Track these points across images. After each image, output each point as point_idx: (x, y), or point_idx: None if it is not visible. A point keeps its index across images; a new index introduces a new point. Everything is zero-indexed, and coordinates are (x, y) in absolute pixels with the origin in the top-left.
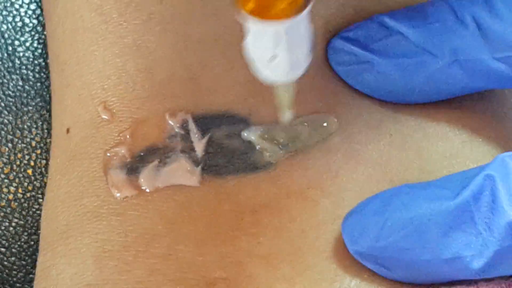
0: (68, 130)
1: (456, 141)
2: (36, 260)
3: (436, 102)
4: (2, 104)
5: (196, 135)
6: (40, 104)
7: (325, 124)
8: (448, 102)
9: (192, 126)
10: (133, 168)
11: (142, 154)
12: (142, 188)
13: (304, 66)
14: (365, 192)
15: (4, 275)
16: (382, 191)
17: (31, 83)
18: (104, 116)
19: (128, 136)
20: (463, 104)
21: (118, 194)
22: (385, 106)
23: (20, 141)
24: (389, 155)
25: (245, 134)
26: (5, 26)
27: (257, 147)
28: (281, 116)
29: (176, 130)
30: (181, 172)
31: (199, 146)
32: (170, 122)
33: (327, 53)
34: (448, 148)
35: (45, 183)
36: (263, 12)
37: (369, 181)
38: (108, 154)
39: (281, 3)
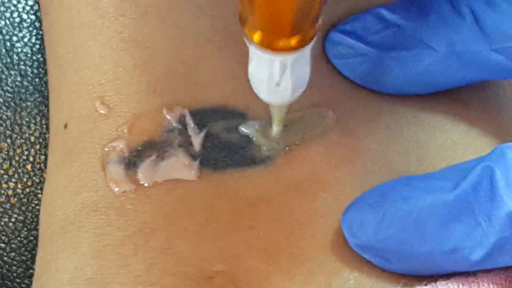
0: (65, 125)
1: (455, 132)
2: (36, 256)
3: (434, 94)
4: (1, 100)
5: (194, 130)
6: (39, 99)
7: (322, 118)
8: (446, 93)
9: (189, 120)
10: (131, 162)
11: (140, 148)
12: (140, 182)
13: (303, 89)
14: (364, 185)
15: (4, 271)
16: (381, 183)
17: (29, 78)
18: (101, 111)
19: (125, 131)
20: (461, 95)
21: (117, 189)
22: (382, 98)
23: (19, 137)
24: (387, 147)
25: (243, 129)
26: (3, 22)
27: (255, 141)
28: (272, 128)
29: (174, 124)
30: (179, 166)
31: (197, 141)
32: (168, 116)
33: (324, 46)
34: (446, 139)
35: (45, 179)
36: (270, 43)
37: (368, 174)
38: (106, 149)
39: (288, 40)
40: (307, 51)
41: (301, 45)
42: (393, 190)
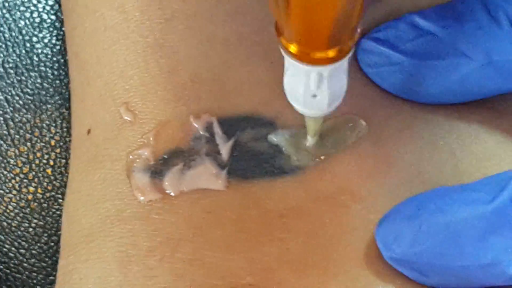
0: (89, 131)
1: (490, 142)
2: (56, 262)
3: (469, 103)
4: (21, 102)
5: (221, 138)
6: (59, 102)
7: (354, 127)
8: (481, 102)
9: (217, 128)
10: (157, 171)
11: (166, 156)
12: (167, 191)
13: (340, 100)
14: (397, 196)
15: (24, 277)
16: (415, 194)
17: (49, 80)
18: (126, 118)
19: (151, 138)
20: (497, 104)
21: (142, 198)
22: (416, 108)
23: (39, 140)
24: (421, 157)
25: (272, 138)
26: (23, 22)
27: (284, 151)
28: (307, 140)
29: (201, 132)
30: (207, 175)
31: (225, 149)
32: (195, 124)
33: (356, 54)
34: (482, 149)
35: (65, 183)
36: (307, 55)
37: (402, 184)
38: (131, 157)
39: (326, 52)
40: (344, 62)
41: (339, 57)
42: (429, 202)
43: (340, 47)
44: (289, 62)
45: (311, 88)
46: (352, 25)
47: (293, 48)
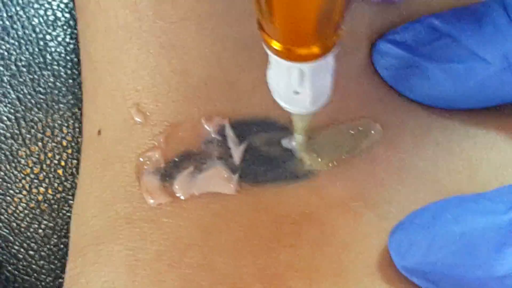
0: (99, 132)
1: (508, 150)
2: (65, 264)
3: (486, 109)
4: (33, 101)
5: (233, 141)
6: (72, 101)
7: (369, 131)
8: (498, 108)
9: (229, 131)
10: (167, 174)
11: (176, 159)
12: (177, 195)
13: (324, 100)
14: (411, 204)
15: (33, 279)
16: (429, 203)
17: (62, 79)
18: (137, 119)
19: (162, 141)
20: None
21: (152, 201)
22: (432, 113)
23: (50, 140)
24: (436, 164)
25: (286, 142)
26: (36, 20)
27: (297, 155)
28: (293, 138)
29: (213, 135)
30: (218, 179)
31: (237, 153)
32: (206, 127)
33: (372, 56)
34: (498, 157)
35: (76, 184)
36: (289, 51)
37: (416, 192)
38: (141, 159)
39: (308, 48)
40: (328, 59)
41: (321, 53)
42: (444, 211)
43: (322, 43)
44: (271, 57)
45: (292, 84)
46: (335, 20)
47: (275, 44)
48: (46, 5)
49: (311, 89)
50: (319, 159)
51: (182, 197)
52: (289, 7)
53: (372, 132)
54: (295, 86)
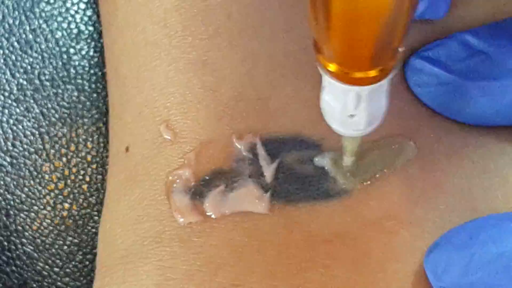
0: (127, 149)
1: None
2: (91, 281)
3: None
4: (57, 116)
5: (265, 159)
6: (96, 116)
7: (402, 149)
8: None
9: (260, 149)
10: (197, 192)
11: (207, 177)
12: (207, 214)
13: (378, 122)
14: (446, 223)
15: None
16: (465, 222)
17: (86, 93)
18: (166, 136)
19: (192, 158)
20: None
21: (182, 219)
22: (466, 130)
23: (75, 155)
24: (471, 182)
25: (318, 160)
26: (60, 33)
27: (330, 173)
28: (344, 160)
29: (244, 153)
30: (249, 198)
31: (269, 171)
32: (237, 144)
33: (405, 73)
34: None
35: (101, 200)
36: (347, 75)
37: (451, 210)
38: (171, 177)
39: (366, 72)
40: (384, 82)
41: (379, 77)
42: (481, 231)
43: (381, 67)
44: (326, 80)
45: (348, 108)
46: (395, 45)
47: (332, 66)
48: (70, 18)
49: (366, 112)
50: (353, 178)
51: (213, 216)
52: (349, 33)
53: (406, 150)
54: (351, 110)
